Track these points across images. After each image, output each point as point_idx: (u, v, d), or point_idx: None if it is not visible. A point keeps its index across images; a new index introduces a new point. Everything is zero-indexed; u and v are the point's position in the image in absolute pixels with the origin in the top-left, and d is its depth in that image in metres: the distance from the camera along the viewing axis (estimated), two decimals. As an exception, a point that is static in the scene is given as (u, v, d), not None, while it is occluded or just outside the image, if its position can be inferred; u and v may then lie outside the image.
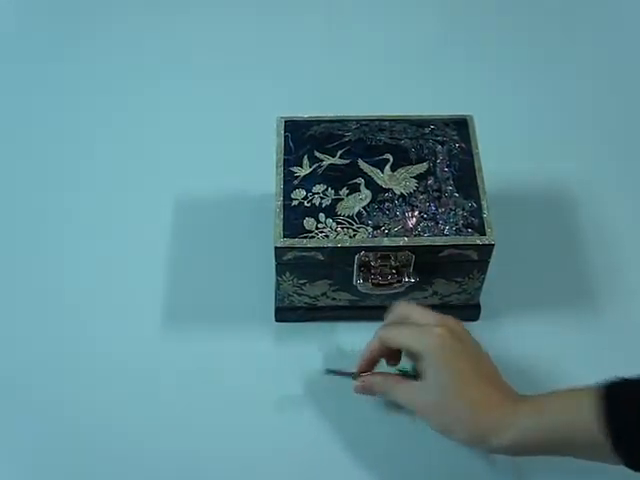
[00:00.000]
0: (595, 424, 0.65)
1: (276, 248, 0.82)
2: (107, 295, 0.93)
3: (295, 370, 0.87)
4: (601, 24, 1.21)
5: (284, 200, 0.84)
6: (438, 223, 0.83)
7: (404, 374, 0.79)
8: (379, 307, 0.89)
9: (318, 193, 0.85)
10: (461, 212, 0.83)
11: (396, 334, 0.77)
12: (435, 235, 0.82)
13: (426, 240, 0.82)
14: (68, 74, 1.14)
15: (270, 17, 1.21)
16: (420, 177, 0.86)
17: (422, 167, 0.87)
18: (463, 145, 0.88)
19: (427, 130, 0.90)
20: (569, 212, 1.00)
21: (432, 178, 0.86)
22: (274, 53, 1.16)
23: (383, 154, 0.87)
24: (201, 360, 0.88)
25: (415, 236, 0.82)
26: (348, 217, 0.83)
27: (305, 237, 0.81)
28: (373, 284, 0.84)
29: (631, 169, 1.04)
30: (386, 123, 0.90)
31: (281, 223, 0.82)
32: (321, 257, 0.82)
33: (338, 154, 0.87)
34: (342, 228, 0.82)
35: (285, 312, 0.90)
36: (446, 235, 0.82)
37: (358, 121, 0.91)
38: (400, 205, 0.84)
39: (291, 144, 0.89)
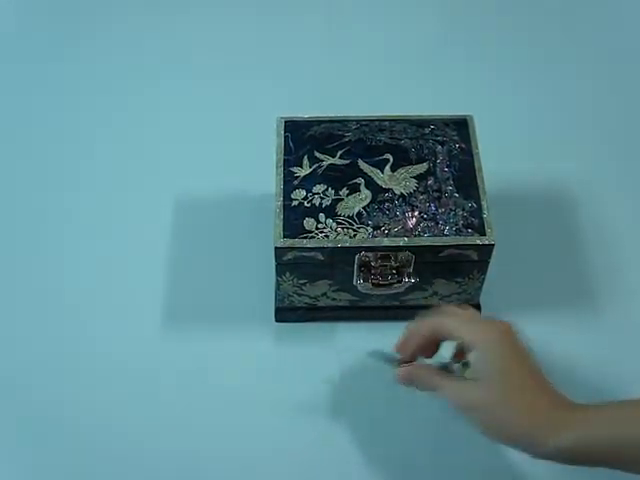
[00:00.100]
0: None
1: (276, 248, 0.82)
2: (107, 295, 0.93)
3: (295, 370, 0.87)
4: (601, 24, 1.21)
5: (284, 200, 0.84)
6: (438, 223, 0.83)
7: (444, 369, 0.75)
8: (379, 307, 0.89)
9: (318, 193, 0.85)
10: (461, 212, 0.83)
11: (451, 322, 0.72)
12: (435, 235, 0.82)
13: (426, 240, 0.82)
14: (68, 74, 1.14)
15: (270, 17, 1.21)
16: (420, 177, 0.86)
17: (422, 167, 0.87)
18: (463, 145, 0.88)
19: (427, 130, 0.90)
20: (569, 212, 1.00)
21: (432, 178, 0.86)
22: (274, 53, 1.16)
23: (383, 154, 0.87)
24: (201, 360, 0.88)
25: (415, 236, 0.82)
26: (348, 217, 0.83)
27: (305, 237, 0.81)
28: (373, 284, 0.84)
29: (631, 169, 1.04)
30: (386, 123, 0.90)
31: (281, 223, 0.82)
32: (321, 257, 0.82)
33: (338, 154, 0.87)
34: (342, 228, 0.82)
35: (285, 312, 0.90)
36: (446, 235, 0.82)
37: (358, 121, 0.91)
38: (400, 205, 0.84)
39: (291, 144, 0.89)
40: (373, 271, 0.83)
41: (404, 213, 0.83)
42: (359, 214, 0.83)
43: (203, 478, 0.81)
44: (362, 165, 0.86)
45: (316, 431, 0.83)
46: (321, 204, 0.84)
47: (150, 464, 0.82)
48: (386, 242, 0.81)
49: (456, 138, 0.89)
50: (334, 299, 0.88)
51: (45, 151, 1.06)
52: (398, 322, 0.90)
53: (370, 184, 0.85)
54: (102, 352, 0.89)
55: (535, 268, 0.95)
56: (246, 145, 1.04)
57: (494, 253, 0.83)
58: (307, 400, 0.85)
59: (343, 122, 0.90)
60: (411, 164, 0.87)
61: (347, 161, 0.87)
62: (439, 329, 0.72)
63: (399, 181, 0.85)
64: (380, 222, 0.83)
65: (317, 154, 0.87)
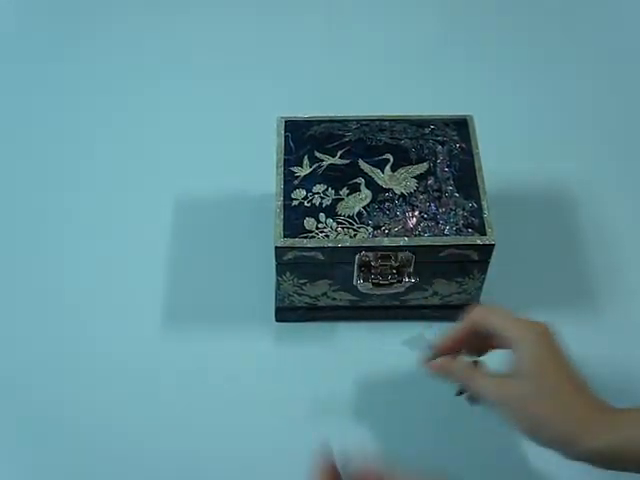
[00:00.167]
0: None
1: (276, 248, 0.82)
2: (107, 295, 0.93)
3: (295, 370, 0.87)
4: (601, 24, 1.21)
5: (284, 200, 0.84)
6: (438, 223, 0.83)
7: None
8: (379, 307, 0.89)
9: (318, 193, 0.85)
10: (461, 212, 0.83)
11: (495, 315, 0.71)
12: (435, 235, 0.82)
13: (426, 240, 0.82)
14: (68, 74, 1.14)
15: (270, 17, 1.21)
16: (420, 177, 0.86)
17: (422, 167, 0.87)
18: (463, 145, 0.88)
19: (427, 130, 0.90)
20: (569, 212, 1.00)
21: (432, 178, 0.86)
22: (274, 53, 1.16)
23: (383, 154, 0.87)
24: (201, 360, 0.88)
25: (415, 236, 0.82)
26: (348, 217, 0.83)
27: (305, 237, 0.81)
28: (373, 284, 0.84)
29: (631, 169, 1.04)
30: (386, 123, 0.90)
31: (281, 223, 0.82)
32: (321, 257, 0.82)
33: (338, 154, 0.87)
34: (342, 228, 0.82)
35: (285, 312, 0.90)
36: (446, 235, 0.82)
37: (358, 121, 0.91)
38: (400, 205, 0.84)
39: (291, 144, 0.89)
40: (373, 271, 0.83)
41: (404, 213, 0.83)
42: (359, 214, 0.83)
43: (203, 478, 0.81)
44: (362, 165, 0.86)
45: (316, 431, 0.83)
46: (321, 204, 0.84)
47: (150, 464, 0.82)
48: (386, 242, 0.81)
49: (456, 138, 0.89)
50: (334, 299, 0.88)
51: (45, 151, 1.06)
52: (398, 322, 0.91)
53: (370, 184, 0.85)
54: (102, 352, 0.89)
55: (535, 268, 0.95)
56: (246, 145, 1.04)
57: (494, 253, 0.83)
58: (307, 400, 0.85)
59: (343, 122, 0.90)
60: (411, 164, 0.87)
61: (347, 161, 0.87)
62: (482, 322, 0.72)
63: (399, 181, 0.85)
64: (380, 222, 0.83)
65: (317, 154, 0.87)
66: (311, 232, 0.82)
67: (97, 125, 1.09)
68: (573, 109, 1.10)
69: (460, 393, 0.76)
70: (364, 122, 0.90)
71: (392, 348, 0.87)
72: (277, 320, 0.91)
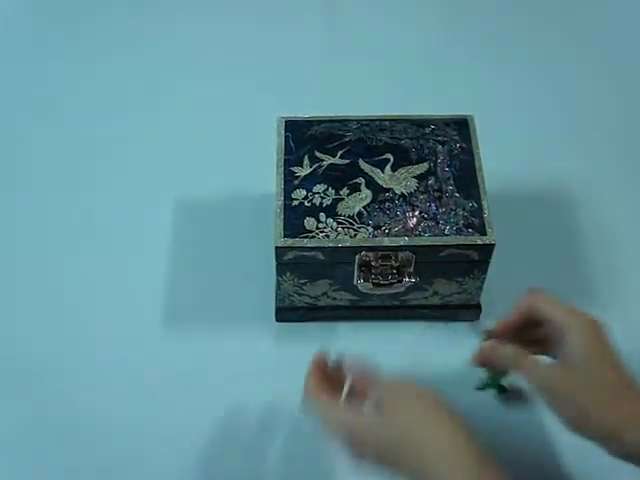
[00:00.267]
0: None
1: (277, 248, 0.82)
2: (107, 295, 0.93)
3: (295, 370, 0.87)
4: (601, 24, 1.21)
5: (284, 200, 0.84)
6: (439, 223, 0.82)
7: None
8: (379, 307, 0.89)
9: (319, 193, 0.85)
10: (462, 212, 0.83)
11: (547, 302, 0.71)
12: (436, 235, 0.82)
13: (427, 240, 0.82)
14: (68, 74, 1.14)
15: (270, 17, 1.21)
16: (421, 177, 0.86)
17: (423, 167, 0.87)
18: (463, 145, 0.88)
19: (427, 130, 0.90)
20: (569, 212, 1.00)
21: (433, 178, 0.86)
22: (274, 53, 1.16)
23: (383, 154, 0.87)
24: (201, 360, 0.88)
25: (415, 236, 0.82)
26: (349, 217, 0.83)
27: (306, 237, 0.81)
28: (373, 284, 0.84)
29: (631, 169, 1.04)
30: (386, 123, 0.90)
31: (281, 223, 0.82)
32: (322, 257, 0.82)
33: (338, 154, 0.87)
34: (343, 228, 0.82)
35: (285, 312, 0.90)
36: (447, 235, 0.82)
37: (358, 121, 0.91)
38: (401, 205, 0.84)
39: (291, 144, 0.88)
40: (373, 271, 0.83)
41: (404, 213, 0.83)
42: (359, 214, 0.83)
43: (203, 478, 0.81)
44: (362, 165, 0.86)
45: (316, 431, 0.83)
46: (321, 204, 0.84)
47: (150, 464, 0.82)
48: (386, 242, 0.81)
49: (456, 138, 0.89)
50: (334, 299, 0.88)
51: (45, 151, 1.06)
52: (398, 322, 0.91)
53: (370, 184, 0.85)
54: (102, 352, 0.89)
55: (535, 268, 0.95)
56: (246, 145, 1.04)
57: (494, 253, 0.83)
58: (307, 400, 0.85)
59: (343, 122, 0.90)
60: (411, 164, 0.87)
61: (347, 161, 0.87)
62: (535, 307, 0.71)
63: (399, 181, 0.85)
64: (380, 222, 0.83)
65: (317, 154, 0.87)
66: (311, 232, 0.82)
67: (97, 125, 1.09)
68: (573, 109, 1.11)
69: (483, 387, 0.76)
70: (364, 122, 0.90)
71: (392, 348, 0.87)
72: (277, 320, 0.91)
